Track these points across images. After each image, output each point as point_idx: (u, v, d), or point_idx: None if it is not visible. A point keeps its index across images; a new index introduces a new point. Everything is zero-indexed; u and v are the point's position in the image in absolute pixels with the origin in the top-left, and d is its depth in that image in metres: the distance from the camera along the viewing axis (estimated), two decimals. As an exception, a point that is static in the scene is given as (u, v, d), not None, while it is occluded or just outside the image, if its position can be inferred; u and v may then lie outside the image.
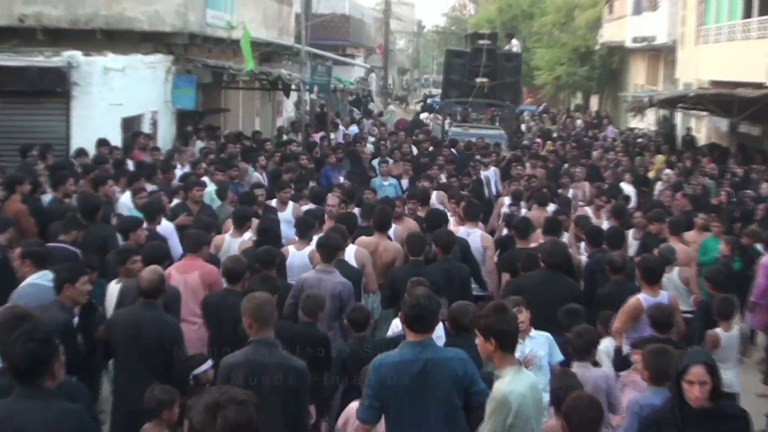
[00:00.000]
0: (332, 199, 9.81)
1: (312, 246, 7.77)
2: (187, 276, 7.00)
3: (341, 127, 23.35)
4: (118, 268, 6.85)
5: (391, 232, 8.81)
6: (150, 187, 10.18)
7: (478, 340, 4.43)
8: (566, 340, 6.07)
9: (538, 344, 6.17)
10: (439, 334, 5.72)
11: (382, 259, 8.13)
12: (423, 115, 30.02)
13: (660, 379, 4.99)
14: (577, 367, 5.69)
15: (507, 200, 12.06)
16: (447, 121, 22.97)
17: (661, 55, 29.26)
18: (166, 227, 8.49)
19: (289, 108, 26.57)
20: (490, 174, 14.66)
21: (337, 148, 16.30)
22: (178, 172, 11.94)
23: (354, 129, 23.28)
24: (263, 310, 4.93)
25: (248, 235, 8.37)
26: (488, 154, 15.64)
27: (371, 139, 19.43)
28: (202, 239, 7.35)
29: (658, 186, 14.39)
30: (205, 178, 11.24)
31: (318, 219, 8.69)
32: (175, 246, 8.15)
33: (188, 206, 9.70)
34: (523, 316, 6.11)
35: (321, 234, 7.67)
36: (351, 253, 7.72)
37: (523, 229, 8.73)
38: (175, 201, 9.89)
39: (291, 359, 4.94)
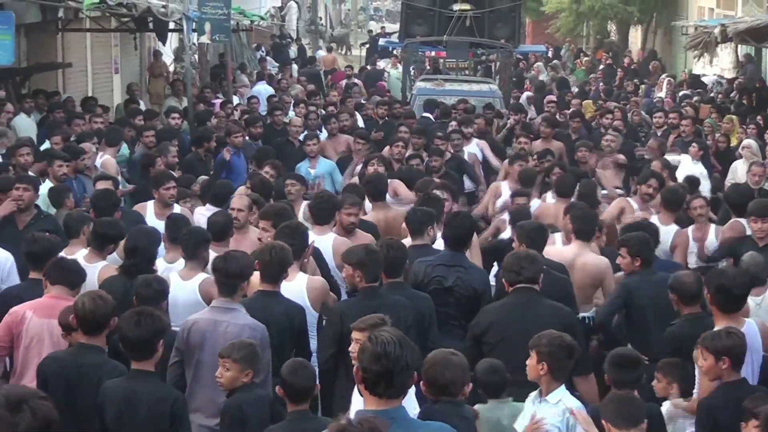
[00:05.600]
0: (240, 198, 9.84)
1: (205, 274, 7.84)
2: (52, 321, 7.13)
3: (248, 86, 23.32)
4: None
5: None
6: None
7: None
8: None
9: (553, 417, 6.30)
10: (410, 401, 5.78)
11: None
12: (383, 63, 29.92)
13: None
14: None
15: (505, 185, 12.13)
16: (410, 73, 22.98)
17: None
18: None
19: (166, 60, 26.43)
20: (474, 149, 14.72)
21: (251, 119, 16.35)
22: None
23: (264, 88, 23.26)
24: None
25: (104, 260, 8.48)
26: (468, 120, 15.75)
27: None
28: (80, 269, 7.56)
29: (739, 166, 14.57)
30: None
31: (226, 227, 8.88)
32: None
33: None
34: (530, 362, 6.35)
35: (223, 253, 7.68)
36: (301, 286, 7.92)
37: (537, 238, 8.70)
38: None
39: None
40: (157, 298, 7.27)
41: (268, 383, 6.91)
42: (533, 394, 6.43)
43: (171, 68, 25.88)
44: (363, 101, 20.88)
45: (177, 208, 10.43)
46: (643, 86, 25.81)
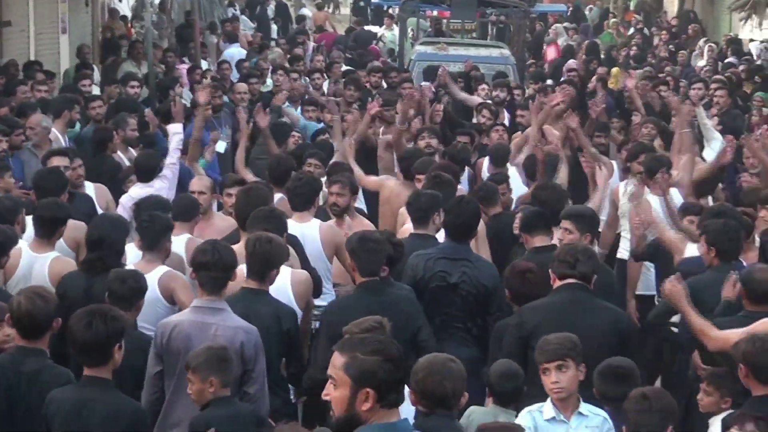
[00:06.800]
0: (200, 180, 10.01)
1: (165, 267, 7.95)
2: None
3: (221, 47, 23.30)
4: None
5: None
6: None
7: None
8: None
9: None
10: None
11: None
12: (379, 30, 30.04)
13: None
14: None
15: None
16: (409, 35, 22.93)
17: None
18: None
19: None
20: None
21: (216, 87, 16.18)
22: None
23: (237, 52, 23.16)
24: None
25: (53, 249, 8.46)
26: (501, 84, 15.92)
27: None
28: None
29: None
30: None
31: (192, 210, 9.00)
32: None
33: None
34: (568, 374, 6.43)
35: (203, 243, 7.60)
36: (285, 281, 7.88)
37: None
38: None
39: None
40: (134, 297, 7.28)
41: (264, 395, 6.96)
42: (545, 415, 6.53)
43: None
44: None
45: (89, 190, 10.47)
46: (682, 52, 25.68)
